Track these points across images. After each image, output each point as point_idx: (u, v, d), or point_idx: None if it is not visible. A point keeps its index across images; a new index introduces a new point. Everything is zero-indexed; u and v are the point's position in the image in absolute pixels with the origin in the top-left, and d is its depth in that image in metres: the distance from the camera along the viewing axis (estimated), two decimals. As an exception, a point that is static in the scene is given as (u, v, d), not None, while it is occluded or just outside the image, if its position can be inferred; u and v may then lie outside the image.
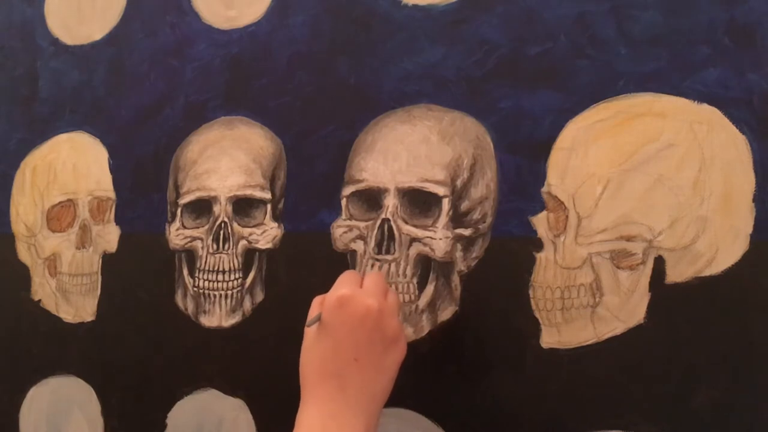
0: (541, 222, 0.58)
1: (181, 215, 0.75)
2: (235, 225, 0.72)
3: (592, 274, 0.56)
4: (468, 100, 0.62)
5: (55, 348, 0.84)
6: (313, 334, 0.53)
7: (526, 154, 0.59)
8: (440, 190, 0.61)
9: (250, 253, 0.71)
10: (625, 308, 0.54)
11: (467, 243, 0.61)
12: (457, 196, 0.61)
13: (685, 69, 0.54)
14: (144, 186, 0.78)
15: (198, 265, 0.73)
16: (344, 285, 0.53)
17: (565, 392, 0.56)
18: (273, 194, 0.71)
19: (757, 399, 0.50)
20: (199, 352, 0.73)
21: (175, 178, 0.76)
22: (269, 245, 0.70)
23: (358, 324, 0.51)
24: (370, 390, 0.51)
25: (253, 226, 0.71)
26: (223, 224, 0.72)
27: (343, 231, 0.66)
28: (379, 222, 0.63)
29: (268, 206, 0.71)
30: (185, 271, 0.74)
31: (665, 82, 0.54)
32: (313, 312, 0.54)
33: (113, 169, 0.81)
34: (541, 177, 0.58)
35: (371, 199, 0.64)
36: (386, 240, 0.63)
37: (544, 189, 0.58)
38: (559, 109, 0.58)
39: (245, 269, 0.71)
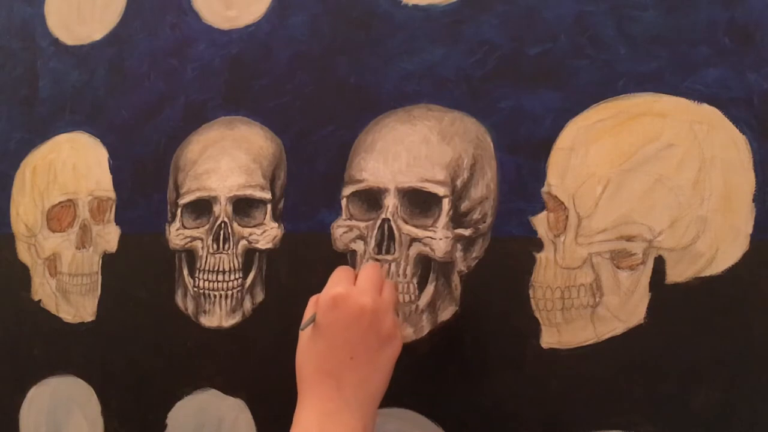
0: (541, 222, 0.58)
1: (181, 215, 0.75)
2: (235, 225, 0.72)
3: (592, 274, 0.56)
4: (468, 100, 0.62)
5: (55, 348, 0.84)
6: (308, 335, 0.53)
7: (526, 154, 0.59)
8: (440, 190, 0.61)
9: (250, 253, 0.71)
10: (625, 308, 0.54)
11: (467, 243, 0.61)
12: (457, 196, 0.61)
13: (685, 69, 0.54)
14: (144, 186, 0.78)
15: (198, 265, 0.73)
16: (338, 283, 0.53)
17: (565, 392, 0.56)
18: (273, 194, 0.71)
19: (757, 399, 0.50)
20: (199, 352, 0.73)
21: (175, 178, 0.76)
22: (269, 245, 0.70)
23: (353, 323, 0.51)
24: (366, 388, 0.51)
25: (253, 226, 0.71)
26: (223, 224, 0.72)
27: (343, 231, 0.66)
28: (379, 222, 0.63)
29: (268, 206, 0.71)
30: (185, 271, 0.74)
31: (665, 82, 0.54)
32: (308, 312, 0.55)
33: (113, 169, 0.81)
34: (541, 177, 0.58)
35: (371, 199, 0.64)
36: (386, 240, 0.63)
37: (544, 189, 0.58)
38: (559, 109, 0.58)
39: (245, 269, 0.71)
